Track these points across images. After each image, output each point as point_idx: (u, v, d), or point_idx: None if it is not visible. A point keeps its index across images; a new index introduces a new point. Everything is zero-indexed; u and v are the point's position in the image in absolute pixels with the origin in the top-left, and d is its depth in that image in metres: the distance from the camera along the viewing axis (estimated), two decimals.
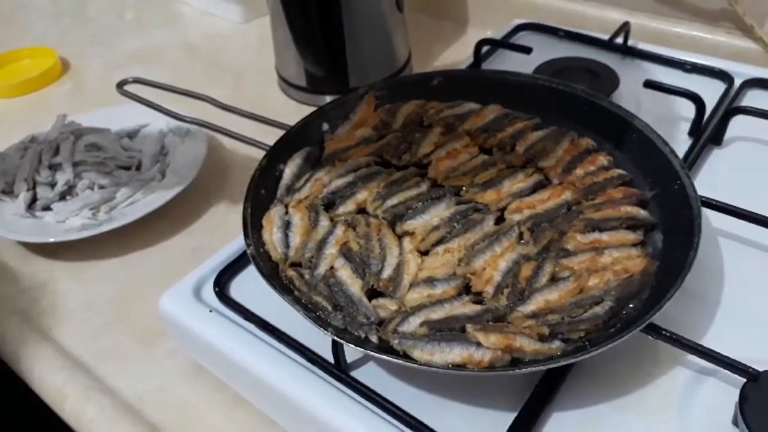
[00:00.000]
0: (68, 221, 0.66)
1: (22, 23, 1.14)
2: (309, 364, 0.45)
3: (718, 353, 0.41)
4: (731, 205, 0.51)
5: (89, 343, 0.56)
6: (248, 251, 0.46)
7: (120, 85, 0.66)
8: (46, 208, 0.68)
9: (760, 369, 0.40)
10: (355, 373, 0.44)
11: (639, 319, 0.40)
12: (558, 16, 0.86)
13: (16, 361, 0.56)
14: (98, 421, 0.50)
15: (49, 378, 0.54)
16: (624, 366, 0.44)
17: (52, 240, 0.63)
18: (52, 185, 0.69)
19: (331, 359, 0.44)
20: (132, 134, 0.76)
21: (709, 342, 0.43)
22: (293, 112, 0.82)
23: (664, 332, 0.41)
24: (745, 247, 0.52)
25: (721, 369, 0.41)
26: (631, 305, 0.43)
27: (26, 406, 0.58)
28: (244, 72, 0.93)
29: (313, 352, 0.45)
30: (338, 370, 0.44)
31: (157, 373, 0.53)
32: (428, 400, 0.42)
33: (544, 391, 0.41)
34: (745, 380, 0.40)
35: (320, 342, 0.45)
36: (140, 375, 0.53)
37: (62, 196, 0.68)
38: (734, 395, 0.39)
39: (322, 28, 0.77)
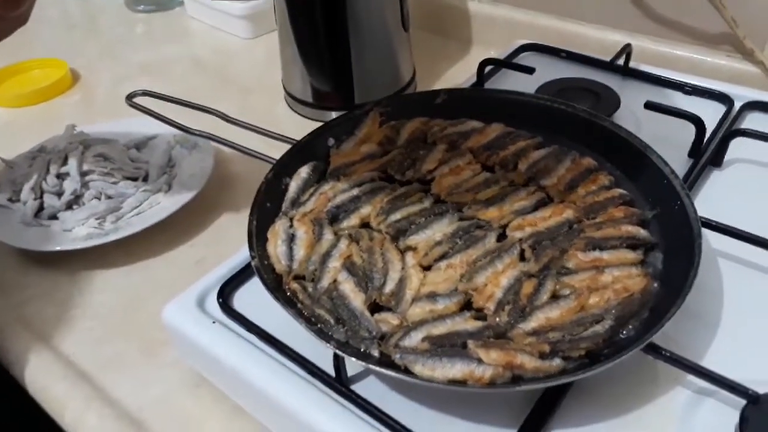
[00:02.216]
0: (74, 230, 0.66)
1: (34, 34, 1.15)
2: (310, 377, 0.45)
3: (718, 374, 0.41)
4: (731, 227, 0.52)
5: (92, 353, 0.57)
6: (253, 263, 0.47)
7: (129, 98, 0.66)
8: (53, 216, 0.69)
9: (761, 391, 0.40)
10: (355, 387, 0.44)
11: (639, 339, 0.40)
12: (560, 38, 0.88)
13: (18, 370, 0.56)
14: (98, 430, 0.50)
15: (50, 387, 0.54)
16: (623, 385, 0.44)
17: (58, 249, 0.63)
18: (59, 194, 0.69)
19: (333, 372, 0.44)
20: (140, 145, 0.77)
21: (709, 362, 0.43)
22: (299, 126, 0.82)
23: (664, 352, 0.42)
24: (744, 268, 0.52)
25: (721, 390, 0.41)
26: (631, 324, 0.43)
27: (27, 414, 0.58)
28: (251, 87, 0.95)
29: (315, 365, 0.45)
30: (339, 384, 0.44)
31: (158, 384, 0.53)
32: (429, 415, 0.42)
33: (543, 409, 0.41)
34: (745, 402, 0.40)
35: (322, 355, 0.45)
36: (142, 385, 0.53)
37: (69, 206, 0.69)
38: (734, 416, 0.39)
39: (328, 45, 0.78)
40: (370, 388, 0.44)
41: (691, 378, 0.43)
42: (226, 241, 0.66)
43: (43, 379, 0.55)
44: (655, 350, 0.42)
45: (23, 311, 0.61)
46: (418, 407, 0.43)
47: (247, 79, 0.97)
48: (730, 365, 0.42)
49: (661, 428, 0.42)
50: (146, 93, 0.67)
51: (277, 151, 0.59)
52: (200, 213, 0.70)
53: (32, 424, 0.60)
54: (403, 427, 0.41)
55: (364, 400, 0.43)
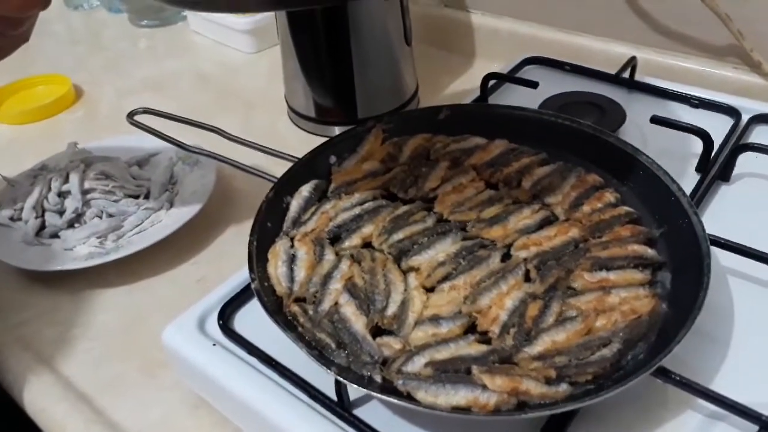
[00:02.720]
0: (75, 249, 0.66)
1: (37, 50, 1.16)
2: (311, 401, 0.44)
3: (730, 399, 0.40)
4: (740, 244, 0.51)
5: (92, 374, 0.56)
6: (253, 286, 0.46)
7: (130, 116, 0.66)
8: (54, 235, 0.68)
9: None
10: (358, 412, 0.44)
11: (648, 363, 0.39)
12: (564, 50, 0.87)
13: (17, 391, 0.55)
14: None
15: (50, 409, 0.53)
16: (632, 409, 0.43)
17: (59, 268, 0.63)
18: (61, 213, 0.69)
19: (335, 397, 0.43)
20: (142, 162, 0.77)
21: (719, 385, 0.43)
22: (302, 141, 0.82)
23: (673, 376, 0.41)
24: (755, 287, 0.51)
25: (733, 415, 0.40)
26: (639, 347, 0.42)
27: None
28: (254, 101, 0.94)
29: (316, 389, 0.45)
30: (341, 408, 0.43)
31: (158, 406, 0.53)
32: None
33: None
34: (757, 428, 0.39)
35: (324, 378, 0.44)
36: (141, 407, 0.53)
37: (70, 224, 0.69)
38: None
39: (330, 60, 0.78)
40: (372, 413, 0.43)
41: (702, 402, 0.42)
42: (228, 259, 0.65)
43: (42, 401, 0.54)
44: (664, 374, 0.41)
45: (23, 331, 0.60)
46: None
47: (250, 94, 0.97)
48: (742, 387, 0.41)
49: None
50: (147, 111, 0.67)
51: (279, 167, 0.58)
52: (202, 230, 0.69)
53: None
54: None
55: (367, 425, 0.42)
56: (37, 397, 0.55)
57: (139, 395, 0.54)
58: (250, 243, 0.49)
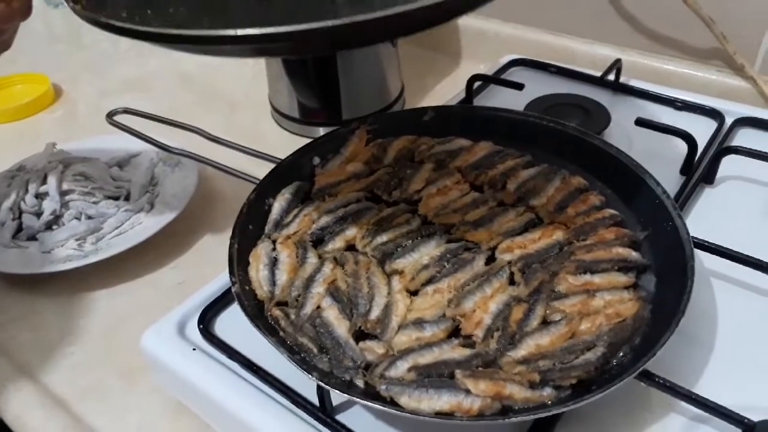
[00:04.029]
0: (54, 252, 0.65)
1: (17, 48, 1.13)
2: (293, 407, 0.44)
3: (713, 402, 0.40)
4: (724, 247, 0.51)
5: (70, 380, 0.55)
6: (233, 289, 0.46)
7: (110, 116, 0.65)
8: (32, 237, 0.67)
9: (756, 418, 0.39)
10: (340, 417, 0.43)
11: (632, 366, 0.39)
12: (550, 52, 0.87)
13: None
14: None
15: (26, 416, 0.52)
16: (616, 412, 0.43)
17: (36, 271, 0.62)
18: (39, 214, 0.68)
19: (317, 402, 0.43)
20: (122, 163, 0.75)
21: (703, 388, 0.43)
22: (286, 142, 0.82)
23: (657, 379, 0.41)
24: (738, 289, 0.51)
25: (716, 418, 0.40)
26: (623, 351, 0.42)
27: None
28: (237, 102, 0.94)
29: (298, 394, 0.44)
30: (323, 414, 0.43)
31: (137, 412, 0.52)
32: None
33: None
34: (740, 431, 0.39)
35: (306, 383, 0.44)
36: (121, 413, 0.52)
37: (48, 226, 0.67)
38: None
39: (315, 60, 0.77)
40: (355, 418, 0.43)
41: (686, 405, 0.42)
42: (210, 263, 0.64)
43: (18, 407, 0.53)
44: (648, 377, 0.41)
45: None
46: None
47: (233, 95, 0.96)
48: (725, 390, 0.41)
49: None
50: (127, 111, 0.66)
51: (261, 169, 0.58)
52: (183, 233, 0.68)
53: None
54: None
55: (349, 430, 0.42)
56: (13, 403, 0.53)
57: (119, 401, 0.53)
58: (231, 246, 0.49)
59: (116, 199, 0.70)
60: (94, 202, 0.69)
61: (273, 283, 0.48)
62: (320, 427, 0.43)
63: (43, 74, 0.99)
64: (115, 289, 0.64)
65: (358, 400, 0.39)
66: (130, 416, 0.52)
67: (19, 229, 0.67)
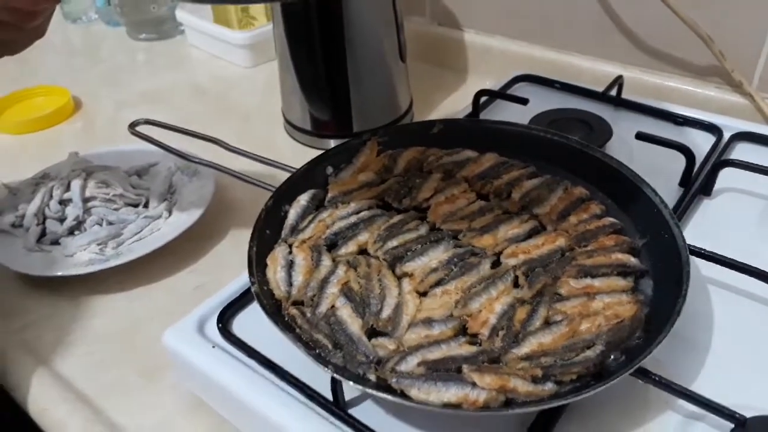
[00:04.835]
0: (76, 256, 0.67)
1: (37, 62, 1.18)
2: (308, 401, 0.46)
3: (707, 398, 0.42)
4: (719, 255, 0.53)
5: (92, 377, 0.57)
6: (252, 289, 0.48)
7: (132, 126, 0.68)
8: (55, 242, 0.69)
9: (747, 415, 0.41)
10: (353, 411, 0.45)
11: (629, 364, 0.41)
12: (554, 69, 0.90)
13: (20, 394, 0.57)
14: None
15: (51, 409, 0.54)
16: (615, 410, 0.45)
17: (59, 274, 0.64)
18: (62, 220, 0.70)
19: (330, 397, 0.45)
20: (141, 172, 0.78)
21: (698, 387, 0.44)
22: (298, 154, 0.84)
23: (653, 377, 0.43)
24: (733, 296, 0.53)
25: (710, 414, 0.42)
26: (621, 350, 0.44)
27: None
28: (250, 114, 0.97)
29: (313, 390, 0.46)
30: (337, 408, 0.45)
31: (157, 408, 0.54)
32: None
33: None
34: (732, 426, 0.41)
35: (320, 380, 0.46)
36: (141, 409, 0.54)
37: (71, 231, 0.70)
38: None
39: (327, 75, 0.80)
40: (367, 412, 0.45)
41: (681, 402, 0.44)
42: (225, 268, 0.67)
43: (43, 401, 0.55)
44: (645, 374, 0.43)
45: (24, 335, 0.62)
46: (414, 431, 0.44)
47: (246, 107, 0.99)
48: (719, 389, 0.43)
49: None
50: (148, 121, 0.69)
51: (275, 179, 0.60)
52: (200, 239, 0.71)
53: None
54: None
55: (362, 423, 0.44)
56: (39, 398, 0.56)
57: (138, 397, 0.55)
58: (250, 248, 0.51)
59: (136, 206, 0.73)
60: (115, 209, 0.71)
61: (290, 283, 0.50)
62: (334, 420, 0.44)
63: (63, 87, 1.02)
64: (134, 292, 0.66)
65: (371, 391, 0.41)
66: (150, 412, 0.54)
67: (43, 234, 0.70)
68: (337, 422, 0.44)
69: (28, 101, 1.02)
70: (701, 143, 0.70)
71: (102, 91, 1.06)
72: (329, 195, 0.60)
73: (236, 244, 0.70)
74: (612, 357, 0.43)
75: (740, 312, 0.52)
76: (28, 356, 0.59)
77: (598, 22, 0.88)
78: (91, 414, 0.54)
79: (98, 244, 0.68)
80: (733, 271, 0.52)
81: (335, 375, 0.41)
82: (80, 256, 0.67)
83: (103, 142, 0.90)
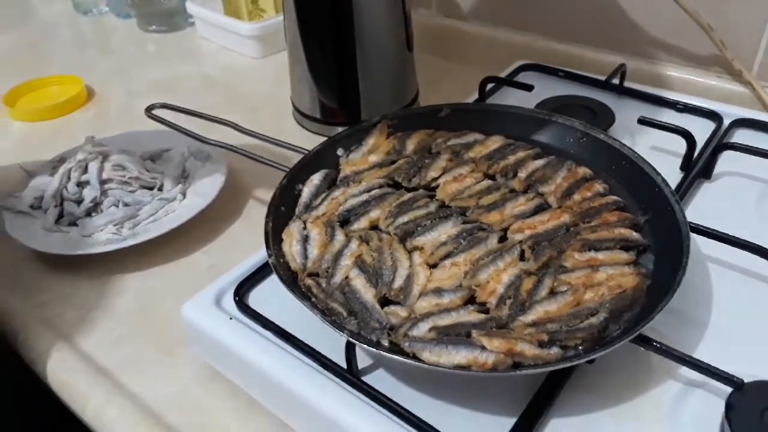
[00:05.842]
0: (93, 236, 0.69)
1: (50, 52, 1.20)
2: (323, 369, 0.48)
3: (706, 363, 0.43)
4: (718, 231, 0.55)
5: (111, 351, 0.59)
6: (270, 261, 0.50)
7: (149, 110, 0.70)
8: (73, 223, 0.71)
9: (746, 380, 0.43)
10: (366, 378, 0.47)
11: (631, 330, 0.43)
12: (558, 58, 0.91)
13: (41, 366, 0.58)
14: (118, 422, 0.53)
15: (72, 382, 0.56)
16: (619, 378, 0.47)
17: (79, 252, 0.66)
18: (79, 202, 0.72)
19: (344, 364, 0.47)
20: (155, 157, 0.80)
21: (697, 355, 0.46)
22: (307, 141, 0.86)
23: (654, 343, 0.44)
24: (732, 272, 0.55)
25: (709, 380, 0.44)
26: (624, 318, 0.46)
27: (46, 409, 0.61)
28: (260, 104, 0.98)
29: (327, 358, 0.48)
30: (350, 375, 0.46)
31: (174, 380, 0.56)
32: (435, 404, 0.45)
33: (543, 398, 0.44)
34: (731, 390, 0.42)
35: (334, 349, 0.48)
36: (159, 381, 0.56)
37: (88, 213, 0.72)
38: (721, 405, 0.42)
39: (337, 65, 0.82)
40: (379, 379, 0.47)
41: (682, 370, 0.46)
42: (238, 249, 0.69)
43: (65, 375, 0.57)
44: (646, 341, 0.44)
45: (45, 313, 0.63)
46: (423, 397, 0.46)
47: (256, 97, 1.01)
48: (718, 358, 0.44)
49: (654, 416, 0.44)
50: (164, 105, 0.71)
51: (288, 160, 0.62)
52: (213, 222, 0.73)
53: (52, 418, 0.62)
54: (411, 414, 0.43)
55: (375, 389, 0.45)
56: (60, 371, 0.58)
57: (156, 371, 0.57)
58: (266, 223, 0.53)
59: (151, 189, 0.75)
60: (131, 191, 0.73)
61: (305, 256, 0.52)
62: (347, 387, 0.46)
63: (76, 76, 1.04)
64: (150, 272, 0.68)
65: (385, 354, 0.43)
66: (168, 383, 0.55)
67: (61, 215, 0.72)
68: (351, 389, 0.46)
69: (42, 90, 1.04)
70: (702, 129, 0.72)
71: (114, 81, 1.08)
72: (341, 174, 0.62)
73: (248, 225, 0.72)
74: (616, 326, 0.45)
75: (738, 288, 0.54)
76: (48, 332, 0.61)
77: (601, 13, 0.89)
78: (112, 387, 0.55)
79: (115, 225, 0.70)
80: (732, 248, 0.54)
81: (351, 339, 0.43)
82: (98, 237, 0.69)
83: (115, 129, 0.91)
